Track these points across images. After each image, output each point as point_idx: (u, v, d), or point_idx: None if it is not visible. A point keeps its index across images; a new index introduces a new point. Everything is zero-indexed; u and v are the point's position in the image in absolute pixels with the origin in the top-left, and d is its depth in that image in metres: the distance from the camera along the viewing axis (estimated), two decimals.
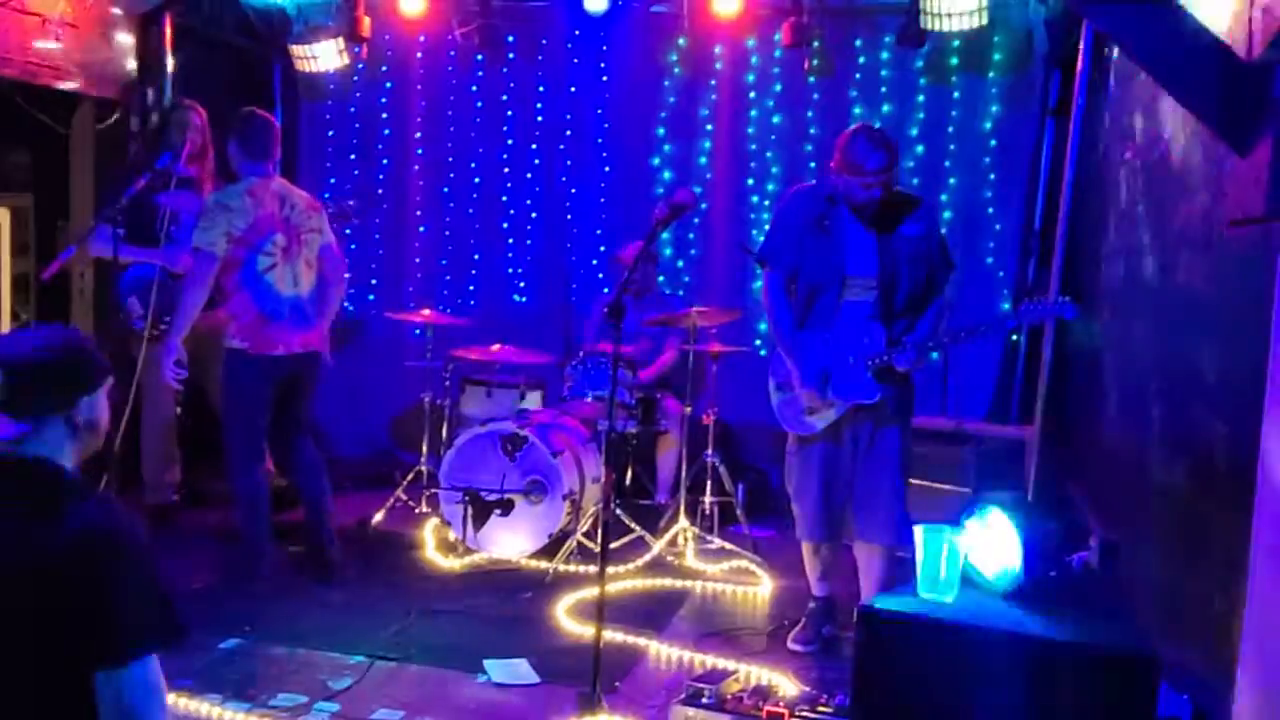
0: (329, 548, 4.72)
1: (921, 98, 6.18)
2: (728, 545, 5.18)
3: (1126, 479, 3.95)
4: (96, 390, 2.07)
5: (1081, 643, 2.41)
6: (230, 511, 5.13)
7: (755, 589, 4.80)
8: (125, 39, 5.77)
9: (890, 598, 2.62)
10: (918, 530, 2.55)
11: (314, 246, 4.62)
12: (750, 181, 6.44)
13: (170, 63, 5.96)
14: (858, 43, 6.22)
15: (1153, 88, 3.87)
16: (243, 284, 4.42)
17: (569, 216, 6.70)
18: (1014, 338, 6.08)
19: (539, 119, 6.70)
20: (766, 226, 6.40)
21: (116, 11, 5.69)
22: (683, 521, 5.18)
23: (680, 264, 6.61)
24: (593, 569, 4.68)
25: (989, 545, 2.61)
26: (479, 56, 6.62)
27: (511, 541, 5.02)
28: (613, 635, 3.99)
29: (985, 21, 5.55)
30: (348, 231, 6.60)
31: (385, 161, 6.87)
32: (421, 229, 6.89)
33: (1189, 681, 2.77)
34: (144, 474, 5.16)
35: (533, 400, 5.64)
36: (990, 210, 6.14)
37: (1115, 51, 4.95)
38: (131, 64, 5.80)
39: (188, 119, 5.02)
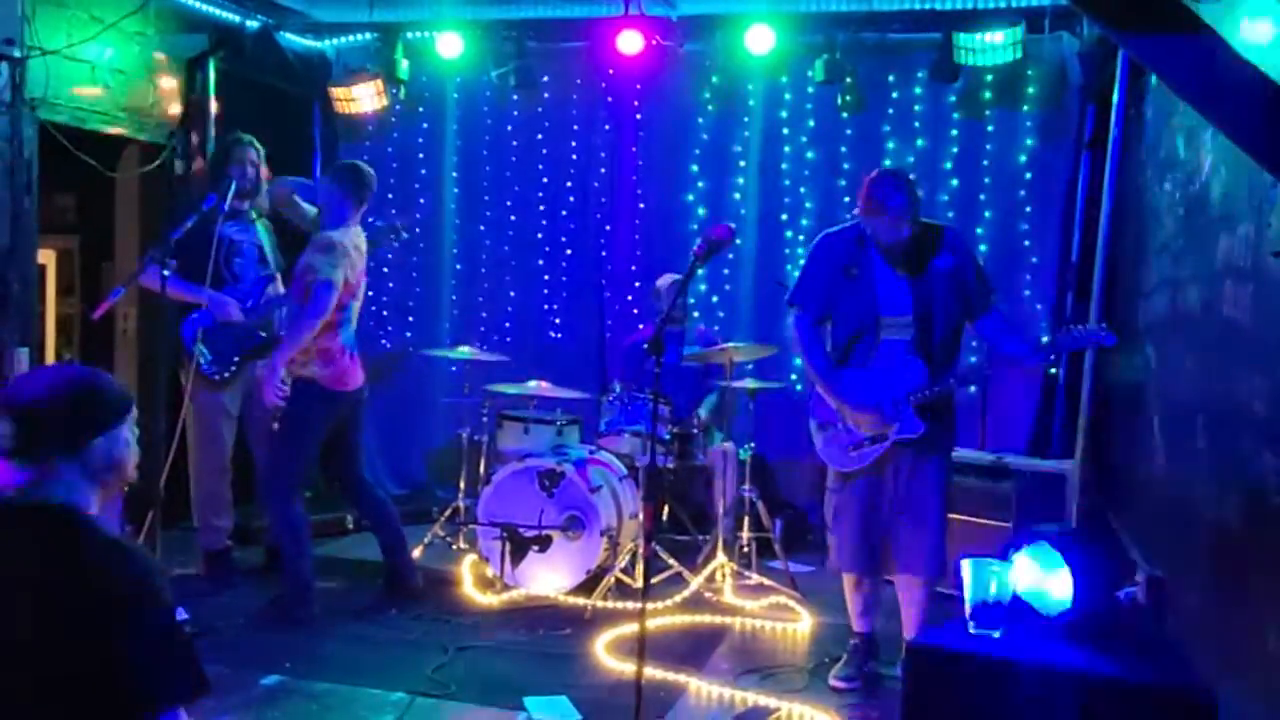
0: (412, 576, 4.93)
1: (955, 132, 6.19)
2: (766, 581, 5.14)
3: (1172, 513, 3.90)
4: (112, 429, 1.99)
5: (1137, 680, 2.37)
6: (271, 547, 5.22)
7: (795, 625, 4.76)
8: (170, 83, 5.90)
9: (938, 632, 2.59)
10: (965, 563, 2.52)
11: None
12: (784, 217, 6.46)
13: (214, 106, 6.08)
14: (891, 78, 6.24)
15: (1191, 119, 3.86)
16: (339, 323, 4.59)
17: (604, 253, 6.74)
18: (1053, 370, 6.03)
19: (574, 157, 6.76)
20: (801, 263, 6.46)
21: (161, 57, 5.82)
22: (720, 557, 5.15)
23: (715, 299, 6.63)
24: (631, 605, 4.66)
25: (1039, 578, 2.58)
26: (514, 96, 6.70)
27: (549, 578, 5.01)
28: (653, 672, 3.96)
29: (1019, 55, 5.57)
30: (389, 255, 6.67)
31: (422, 200, 6.95)
32: (458, 266, 6.96)
33: None
34: (196, 517, 5.18)
35: (570, 436, 5.65)
36: (1027, 244, 6.12)
37: (1151, 83, 4.94)
38: (176, 108, 5.93)
39: (244, 155, 5.10)
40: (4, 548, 1.87)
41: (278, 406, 4.57)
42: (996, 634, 2.49)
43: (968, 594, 2.49)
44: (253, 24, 6.25)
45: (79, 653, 1.79)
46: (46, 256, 5.71)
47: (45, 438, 1.93)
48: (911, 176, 4.09)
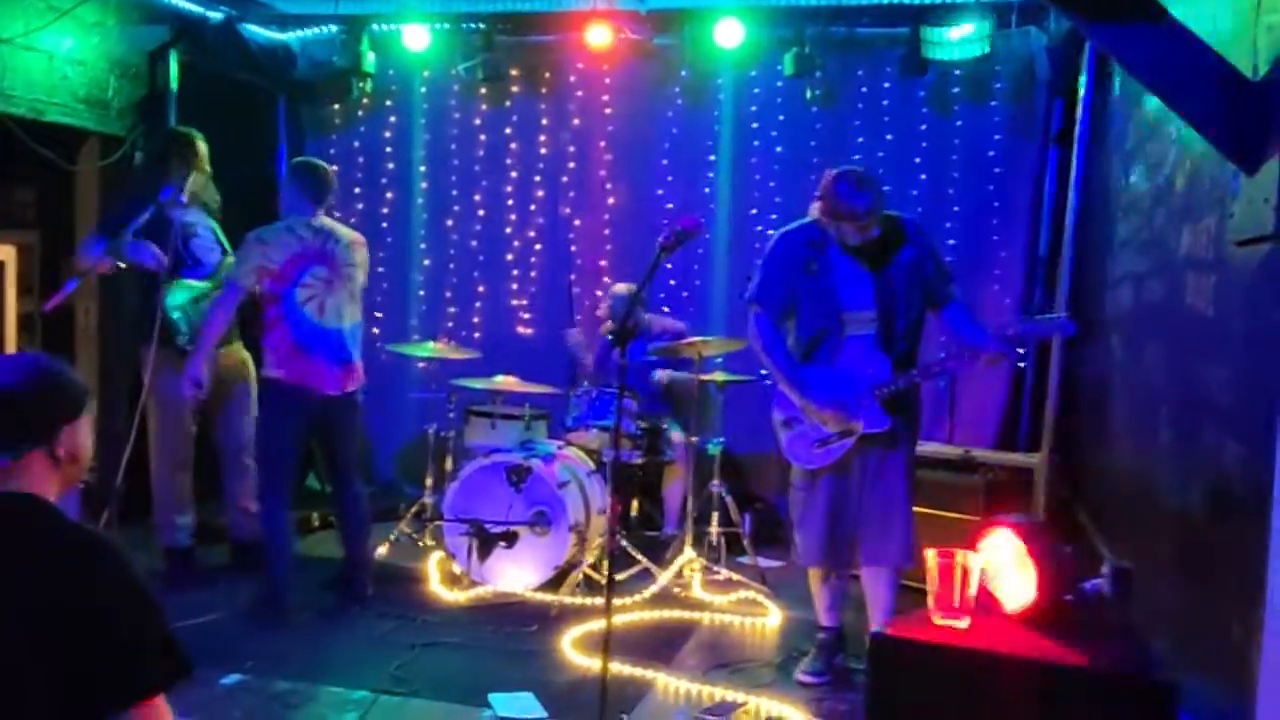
0: (364, 591, 4.85)
1: (924, 126, 6.20)
2: (735, 576, 5.12)
3: (1138, 505, 3.91)
4: (77, 418, 1.97)
5: (1100, 670, 2.36)
6: (236, 544, 5.17)
7: (763, 620, 4.74)
8: (131, 75, 5.81)
9: (903, 623, 2.58)
10: (929, 554, 2.51)
11: (358, 280, 4.72)
12: (754, 211, 6.45)
13: (176, 99, 5.99)
14: (860, 72, 6.24)
15: (1156, 113, 3.87)
16: (282, 315, 4.53)
17: (573, 248, 6.71)
18: (1020, 364, 6.05)
19: (542, 151, 6.73)
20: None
21: (123, 48, 5.73)
22: (689, 552, 5.13)
23: (685, 294, 6.61)
24: (599, 601, 4.62)
25: (1003, 569, 2.57)
26: (482, 90, 6.65)
27: (517, 574, 4.97)
28: (620, 668, 3.94)
29: (987, 50, 5.58)
30: None
31: (389, 195, 6.89)
32: (426, 261, 6.90)
33: (1206, 710, 2.71)
34: (156, 513, 5.09)
35: (537, 431, 5.61)
36: (995, 237, 6.14)
37: (1117, 79, 4.96)
38: (137, 100, 5.84)
39: (191, 149, 5.02)
40: None
41: (199, 400, 4.67)
42: (961, 624, 2.48)
43: (931, 585, 2.48)
44: (215, 15, 6.16)
45: (58, 642, 1.77)
46: (5, 253, 5.59)
47: (18, 423, 1.90)
48: (880, 171, 4.07)
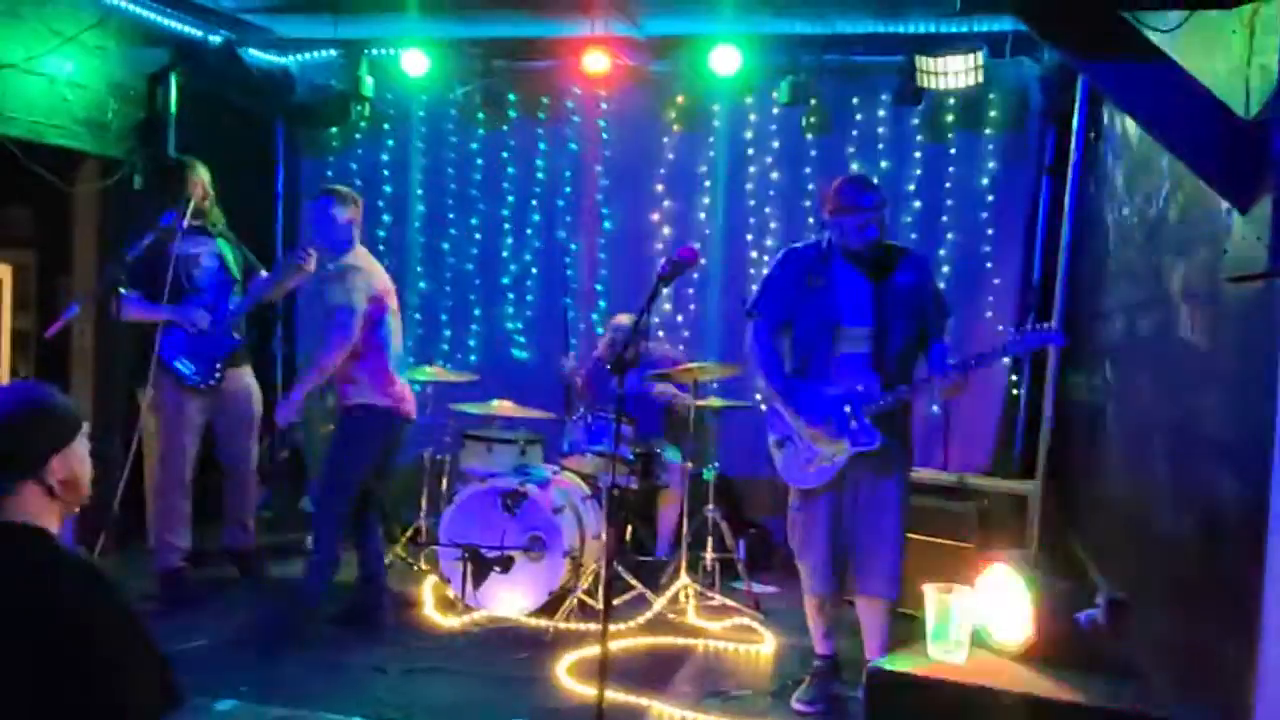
0: (383, 611, 4.85)
1: (919, 154, 6.25)
2: (730, 602, 5.12)
3: (1133, 534, 3.93)
4: (68, 445, 1.96)
5: (1095, 705, 2.38)
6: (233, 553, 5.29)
7: (758, 647, 4.74)
8: (131, 98, 5.83)
9: (900, 657, 2.59)
10: (927, 589, 2.52)
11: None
12: (749, 237, 6.48)
13: (175, 122, 6.01)
14: (855, 100, 6.28)
15: (1148, 144, 3.91)
16: (378, 343, 4.59)
17: (569, 272, 6.72)
18: (1015, 392, 6.08)
19: (539, 176, 6.76)
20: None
21: (123, 72, 5.75)
22: (684, 578, 5.13)
23: (680, 319, 6.63)
24: (593, 626, 4.63)
25: (999, 605, 2.58)
26: (480, 115, 6.68)
27: (511, 599, 4.97)
28: (614, 695, 3.93)
29: (981, 80, 5.62)
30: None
31: (386, 218, 6.91)
32: (423, 285, 6.92)
33: None
34: (152, 535, 5.09)
35: (533, 456, 5.61)
36: (989, 265, 6.17)
37: (1109, 110, 5.00)
38: (136, 123, 5.86)
39: (194, 175, 5.05)
40: None
41: (293, 425, 4.74)
42: (958, 658, 2.49)
43: (929, 620, 2.49)
44: (215, 39, 6.19)
45: (58, 677, 1.76)
46: (3, 271, 5.61)
47: (6, 459, 1.89)
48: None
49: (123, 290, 4.35)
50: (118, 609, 1.86)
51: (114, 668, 1.81)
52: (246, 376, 5.22)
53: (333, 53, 6.49)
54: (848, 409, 3.84)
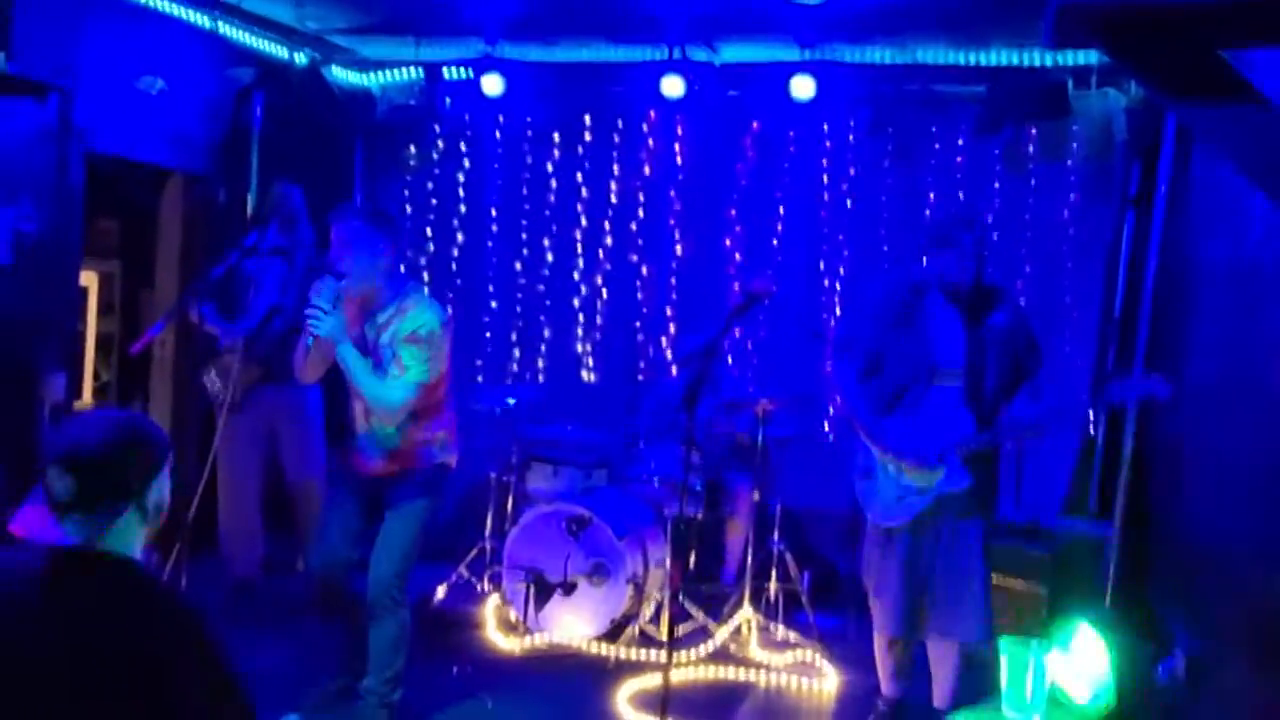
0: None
1: (998, 185, 6.15)
2: (792, 636, 5.05)
3: (1217, 585, 3.78)
4: (163, 470, 2.01)
5: None
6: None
7: (820, 683, 4.66)
8: (218, 114, 5.97)
9: (974, 713, 2.52)
10: (1003, 641, 2.45)
11: None
12: (822, 266, 6.43)
13: (258, 139, 6.14)
14: (933, 129, 6.21)
15: (1240, 182, 3.79)
16: (448, 396, 3.98)
17: (640, 295, 6.73)
18: (1092, 431, 5.92)
19: (613, 199, 6.78)
20: (838, 311, 6.39)
21: (210, 89, 5.89)
22: (747, 609, 5.07)
23: (749, 346, 6.59)
24: (655, 655, 4.59)
25: (1075, 663, 2.50)
26: (555, 137, 6.73)
27: (573, 624, 4.95)
28: None
29: (1065, 111, 5.51)
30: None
31: (461, 238, 6.98)
32: (494, 304, 6.97)
33: None
34: (224, 548, 5.16)
35: (599, 479, 5.60)
36: (1068, 298, 6.05)
37: (1198, 143, 4.87)
38: (221, 139, 5.99)
39: (284, 198, 5.08)
40: (74, 600, 1.84)
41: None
42: (1033, 718, 2.41)
43: (1004, 677, 2.42)
44: (301, 59, 6.32)
45: (144, 704, 1.78)
46: (89, 279, 5.78)
47: (110, 488, 1.93)
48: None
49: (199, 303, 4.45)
50: (205, 641, 1.87)
51: (200, 700, 1.82)
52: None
53: (413, 73, 6.59)
54: (940, 446, 3.76)
